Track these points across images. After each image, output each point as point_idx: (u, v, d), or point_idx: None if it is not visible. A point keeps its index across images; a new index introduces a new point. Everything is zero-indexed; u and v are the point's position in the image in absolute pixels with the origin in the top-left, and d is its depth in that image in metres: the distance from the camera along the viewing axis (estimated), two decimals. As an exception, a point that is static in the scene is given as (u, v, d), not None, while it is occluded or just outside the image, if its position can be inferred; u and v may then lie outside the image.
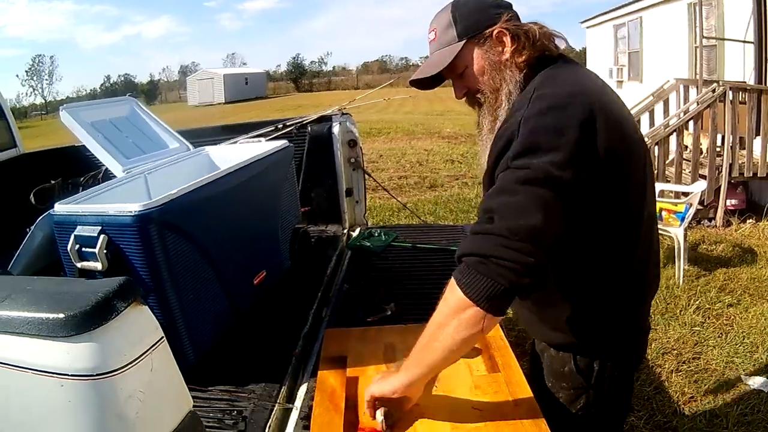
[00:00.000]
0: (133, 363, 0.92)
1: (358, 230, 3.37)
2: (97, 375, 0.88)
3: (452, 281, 1.47)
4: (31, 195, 3.05)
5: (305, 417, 1.80)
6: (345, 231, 3.44)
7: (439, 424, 1.68)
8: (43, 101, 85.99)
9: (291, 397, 1.98)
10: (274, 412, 1.84)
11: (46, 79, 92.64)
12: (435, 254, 3.03)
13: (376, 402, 1.63)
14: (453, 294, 1.46)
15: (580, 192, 1.43)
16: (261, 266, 2.55)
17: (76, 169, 3.30)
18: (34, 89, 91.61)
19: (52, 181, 3.20)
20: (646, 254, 1.71)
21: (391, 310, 2.38)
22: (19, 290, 1.08)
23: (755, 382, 3.77)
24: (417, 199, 8.88)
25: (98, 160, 2.77)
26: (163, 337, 1.00)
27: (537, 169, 1.39)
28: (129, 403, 0.91)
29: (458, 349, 1.55)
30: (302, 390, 1.99)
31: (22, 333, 0.92)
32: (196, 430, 1.04)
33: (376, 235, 3.22)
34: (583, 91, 1.51)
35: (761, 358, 4.07)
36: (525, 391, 1.82)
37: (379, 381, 1.65)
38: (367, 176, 3.75)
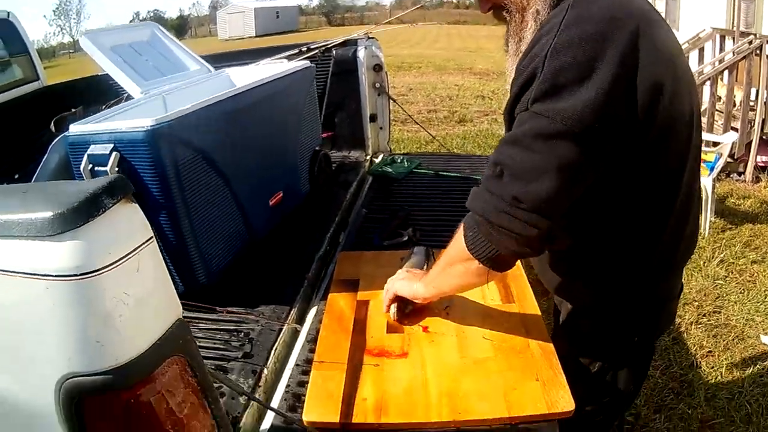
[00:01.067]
0: (119, 262, 0.84)
1: (380, 157, 3.28)
2: (82, 275, 0.81)
3: (461, 228, 1.42)
4: (51, 123, 2.99)
5: (312, 339, 1.75)
6: (367, 157, 3.35)
7: (448, 353, 1.62)
8: (72, 40, 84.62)
9: (300, 320, 1.93)
10: (281, 334, 1.79)
11: (74, 18, 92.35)
12: (457, 182, 2.94)
13: (395, 296, 1.71)
14: (460, 242, 1.41)
15: (611, 141, 1.23)
16: (277, 187, 2.47)
17: (97, 98, 3.19)
18: (61, 29, 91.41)
19: (73, 110, 3.14)
20: (682, 220, 1.50)
21: (408, 235, 2.32)
22: (14, 195, 1.02)
23: (775, 343, 3.68)
24: (445, 133, 8.75)
25: (120, 88, 2.68)
26: (152, 237, 0.93)
27: (559, 118, 1.17)
28: (114, 305, 0.84)
29: (466, 287, 1.61)
30: (312, 313, 1.93)
31: (11, 236, 0.86)
32: (185, 339, 0.98)
33: (399, 161, 3.13)
34: (627, 14, 1.23)
35: (782, 320, 3.95)
36: (538, 325, 1.75)
37: (404, 281, 1.71)
38: (393, 105, 3.65)
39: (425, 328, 1.73)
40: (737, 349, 3.66)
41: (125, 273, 0.87)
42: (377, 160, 3.24)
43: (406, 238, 2.31)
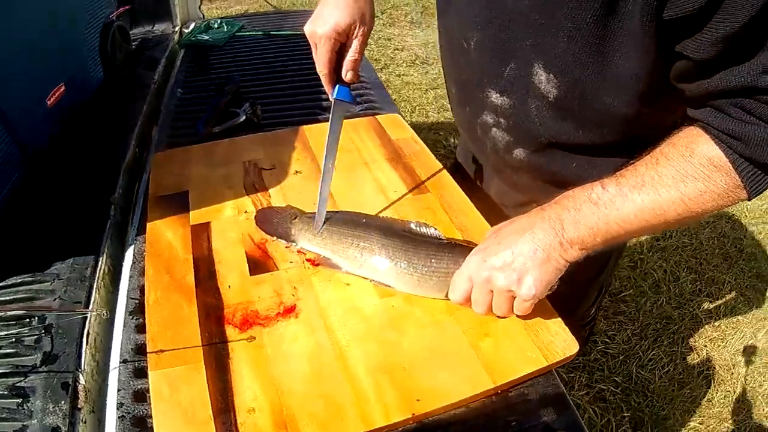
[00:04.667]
0: None
1: (192, 25, 2.44)
2: None
3: (728, 167, 0.82)
4: None
5: (137, 310, 1.02)
6: (176, 29, 2.48)
7: (361, 296, 1.01)
8: None
9: (116, 273, 1.18)
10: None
11: None
12: (293, 41, 2.18)
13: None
14: (726, 182, 0.83)
15: None
16: (57, 79, 1.61)
17: None
18: None
19: None
20: None
21: (245, 113, 1.55)
22: None
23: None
24: (259, 6, 7.74)
25: None
26: None
27: None
28: None
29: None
30: (129, 256, 1.16)
31: None
32: None
33: (216, 26, 2.32)
34: None
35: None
36: (477, 220, 1.18)
37: (537, 267, 0.88)
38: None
39: (312, 260, 1.07)
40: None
41: None
42: (188, 30, 2.40)
43: (243, 118, 1.56)
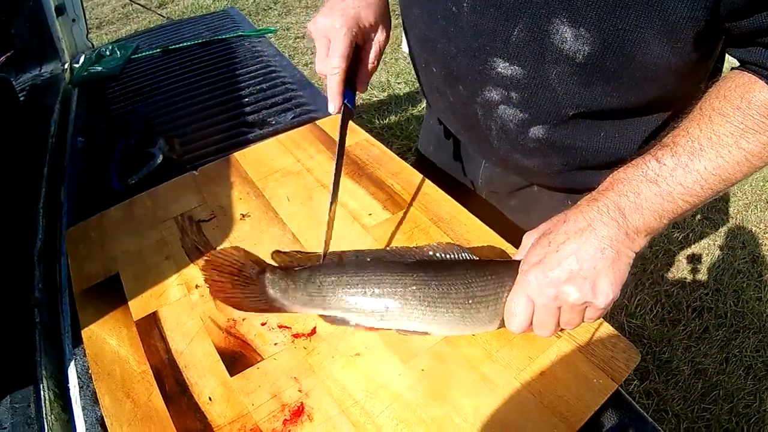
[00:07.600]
0: None
1: (82, 58, 2.09)
2: None
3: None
4: None
5: None
6: (66, 66, 2.12)
7: (379, 365, 0.75)
8: None
9: (64, 401, 0.84)
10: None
11: None
12: (196, 52, 1.86)
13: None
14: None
15: None
16: None
17: None
18: None
19: None
20: None
21: (162, 151, 1.25)
22: None
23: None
24: (148, 22, 7.26)
25: None
26: None
27: None
28: None
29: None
30: (74, 378, 0.85)
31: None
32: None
33: (108, 53, 1.98)
34: None
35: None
36: (476, 227, 0.94)
37: (606, 273, 0.68)
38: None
39: (299, 334, 0.79)
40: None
41: None
42: (79, 64, 2.04)
43: (160, 159, 1.24)
